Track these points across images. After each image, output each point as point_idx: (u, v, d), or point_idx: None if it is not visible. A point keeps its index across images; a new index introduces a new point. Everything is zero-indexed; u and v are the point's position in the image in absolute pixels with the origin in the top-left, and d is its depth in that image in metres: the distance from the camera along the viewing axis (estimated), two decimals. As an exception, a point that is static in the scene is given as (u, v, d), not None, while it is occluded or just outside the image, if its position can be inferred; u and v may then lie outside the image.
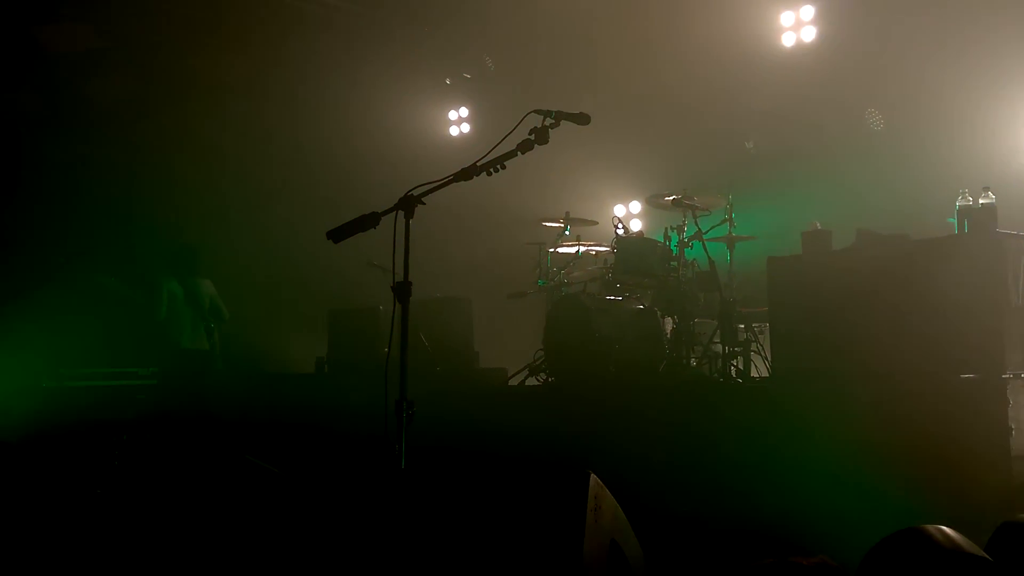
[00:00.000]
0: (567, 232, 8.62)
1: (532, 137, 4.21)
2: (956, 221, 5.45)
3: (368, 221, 4.02)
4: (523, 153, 4.22)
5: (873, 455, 4.71)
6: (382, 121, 10.89)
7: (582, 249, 8.46)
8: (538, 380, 7.88)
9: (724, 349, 7.08)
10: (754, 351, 7.31)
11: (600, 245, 8.42)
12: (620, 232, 7.84)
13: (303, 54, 10.26)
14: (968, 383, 4.93)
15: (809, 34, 9.23)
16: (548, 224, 8.81)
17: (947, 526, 2.95)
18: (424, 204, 4.03)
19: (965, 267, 5.13)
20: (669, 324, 7.70)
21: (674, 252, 7.72)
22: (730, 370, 7.02)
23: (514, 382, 8.05)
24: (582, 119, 4.30)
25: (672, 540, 4.57)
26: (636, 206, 10.50)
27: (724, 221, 7.80)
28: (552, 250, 8.67)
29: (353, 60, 10.68)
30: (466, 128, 12.07)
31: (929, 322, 5.19)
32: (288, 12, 10.17)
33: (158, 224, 9.50)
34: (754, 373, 7.26)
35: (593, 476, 2.81)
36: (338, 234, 4.04)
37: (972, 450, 4.71)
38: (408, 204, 3.99)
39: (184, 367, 8.69)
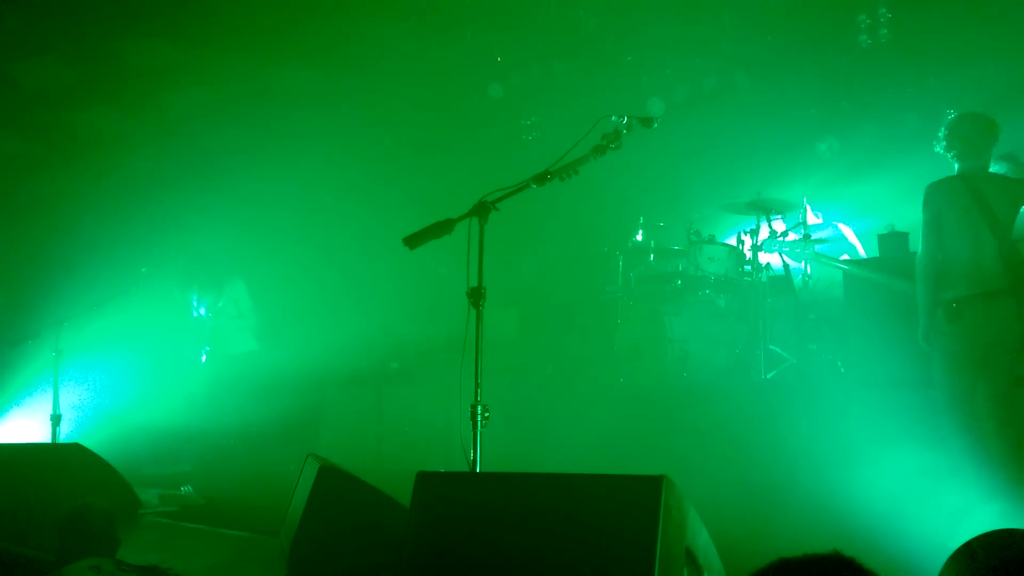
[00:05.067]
0: (640, 237, 8.58)
1: (605, 142, 4.22)
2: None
3: (443, 227, 4.08)
4: (597, 158, 4.23)
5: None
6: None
7: (654, 253, 8.42)
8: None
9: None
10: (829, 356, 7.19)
11: (673, 248, 8.37)
12: (693, 236, 7.79)
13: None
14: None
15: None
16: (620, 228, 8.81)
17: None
18: (498, 210, 4.07)
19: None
20: (743, 328, 7.62)
21: (747, 256, 7.64)
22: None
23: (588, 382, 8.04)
24: (648, 122, 4.30)
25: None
26: (708, 209, 10.41)
27: (799, 224, 7.69)
28: (624, 253, 8.64)
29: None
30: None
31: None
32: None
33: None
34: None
35: (667, 481, 2.79)
36: (414, 240, 4.10)
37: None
38: (482, 210, 4.04)
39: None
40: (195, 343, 9.24)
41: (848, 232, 8.07)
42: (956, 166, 5.12)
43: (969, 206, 4.93)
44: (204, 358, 9.07)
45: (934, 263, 5.00)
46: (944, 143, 5.15)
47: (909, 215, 6.91)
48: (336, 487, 4.16)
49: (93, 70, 10.02)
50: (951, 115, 5.21)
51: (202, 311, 9.21)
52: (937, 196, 5.03)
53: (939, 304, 4.96)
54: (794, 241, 7.49)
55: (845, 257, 7.70)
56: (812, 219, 7.72)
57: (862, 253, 7.84)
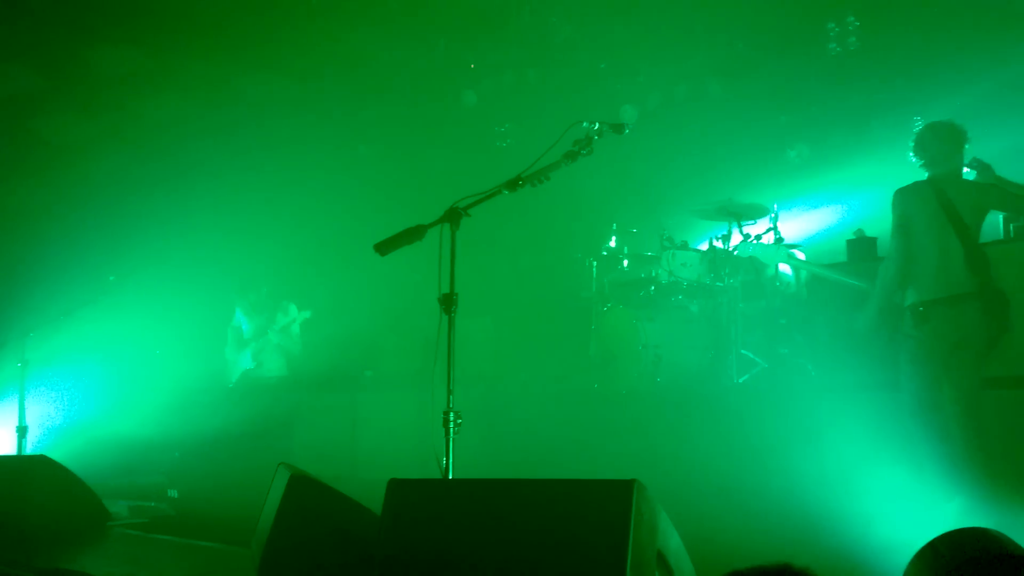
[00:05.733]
0: (613, 243, 8.60)
1: (576, 148, 4.23)
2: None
3: (414, 233, 4.06)
4: (568, 164, 4.24)
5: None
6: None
7: (627, 259, 8.44)
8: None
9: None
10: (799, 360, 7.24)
11: (646, 254, 8.39)
12: (666, 242, 7.83)
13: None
14: None
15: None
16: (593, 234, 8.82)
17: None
18: (470, 216, 4.06)
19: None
20: (715, 333, 7.65)
21: (719, 261, 7.68)
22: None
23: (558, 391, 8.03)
24: (619, 128, 4.31)
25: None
26: (680, 215, 10.44)
27: (769, 229, 7.73)
28: (597, 259, 8.65)
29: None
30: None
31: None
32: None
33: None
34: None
35: (638, 485, 2.78)
36: (385, 247, 4.08)
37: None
38: (454, 216, 4.03)
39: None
40: (231, 362, 9.26)
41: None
42: (926, 174, 5.19)
43: (936, 211, 5.00)
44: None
45: (899, 266, 5.05)
46: (913, 152, 5.23)
47: (878, 220, 7.00)
48: (307, 496, 4.12)
49: (61, 77, 9.93)
50: (919, 124, 5.29)
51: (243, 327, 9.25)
52: (905, 201, 5.09)
53: (906, 308, 5.02)
54: (766, 244, 7.55)
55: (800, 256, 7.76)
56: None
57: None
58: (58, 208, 9.90)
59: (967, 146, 5.16)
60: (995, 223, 5.85)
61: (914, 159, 5.24)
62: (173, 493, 7.18)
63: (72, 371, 9.23)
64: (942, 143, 5.14)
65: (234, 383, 9.27)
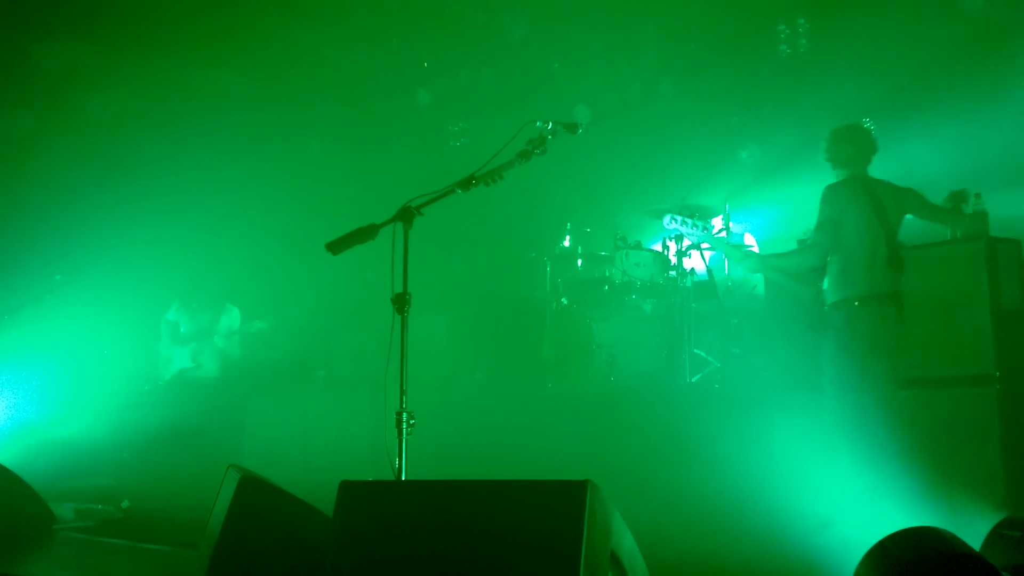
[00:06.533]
0: (567, 243, 8.62)
1: (530, 147, 4.23)
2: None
3: (367, 232, 4.03)
4: (522, 163, 4.23)
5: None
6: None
7: (581, 259, 8.46)
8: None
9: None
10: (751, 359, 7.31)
11: (600, 254, 8.43)
12: (619, 242, 7.86)
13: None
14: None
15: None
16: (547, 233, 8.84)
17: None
18: (423, 215, 4.04)
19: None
20: (668, 332, 7.70)
21: (671, 262, 7.72)
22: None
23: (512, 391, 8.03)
24: (572, 128, 4.32)
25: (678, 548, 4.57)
26: (633, 215, 10.50)
27: (721, 231, 7.80)
28: (551, 259, 8.67)
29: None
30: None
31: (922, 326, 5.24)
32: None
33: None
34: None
35: (591, 485, 2.78)
36: (337, 246, 4.04)
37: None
38: (406, 215, 4.01)
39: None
40: (164, 360, 9.11)
41: (750, 239, 8.24)
42: (842, 173, 5.27)
43: (867, 209, 5.08)
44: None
45: (822, 260, 5.13)
46: (828, 154, 5.32)
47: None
48: (257, 498, 4.08)
49: (5, 72, 9.72)
50: (868, 124, 5.37)
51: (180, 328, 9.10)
52: (838, 197, 5.16)
53: (838, 302, 5.07)
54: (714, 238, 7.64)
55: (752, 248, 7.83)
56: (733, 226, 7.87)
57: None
58: (2, 205, 9.68)
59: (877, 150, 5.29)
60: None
61: (828, 160, 5.33)
62: (125, 504, 7.07)
63: (17, 371, 9.06)
64: (858, 146, 5.24)
65: (168, 379, 9.10)
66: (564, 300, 8.27)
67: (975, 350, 5.15)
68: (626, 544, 3.02)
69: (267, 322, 9.20)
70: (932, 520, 3.31)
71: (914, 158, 7.22)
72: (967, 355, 5.19)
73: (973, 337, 5.16)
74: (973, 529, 3.29)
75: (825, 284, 5.22)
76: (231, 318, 9.17)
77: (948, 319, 5.25)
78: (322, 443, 8.45)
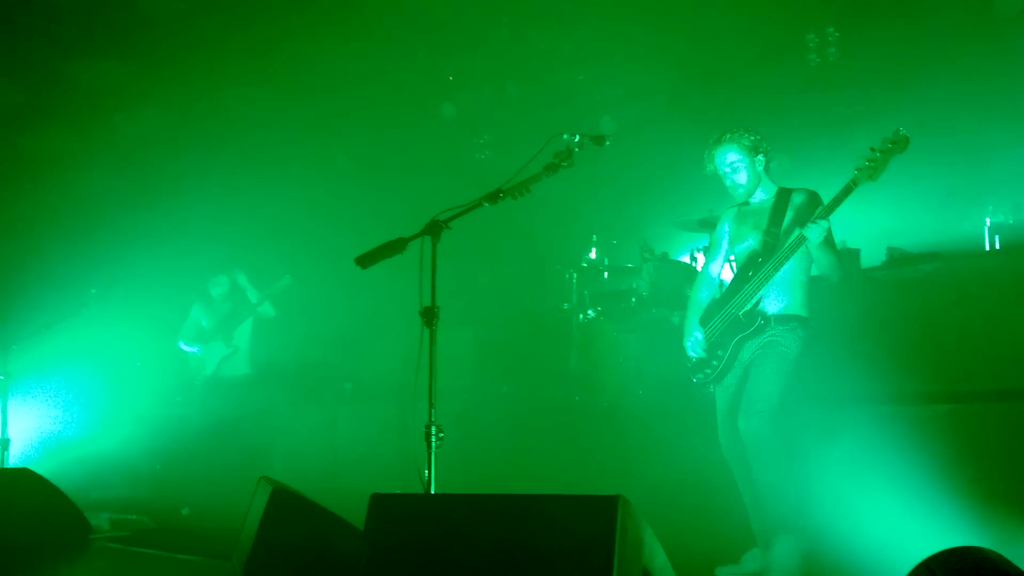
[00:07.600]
0: (593, 255, 8.61)
1: (557, 160, 4.24)
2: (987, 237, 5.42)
3: (395, 246, 4.06)
4: (549, 176, 4.25)
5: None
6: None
7: (608, 271, 8.45)
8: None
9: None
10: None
11: (626, 266, 8.41)
12: (646, 254, 7.84)
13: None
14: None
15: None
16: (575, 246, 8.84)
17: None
18: (451, 229, 4.06)
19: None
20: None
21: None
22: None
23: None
24: (600, 140, 4.32)
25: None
26: (661, 227, 10.47)
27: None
28: (578, 271, 8.66)
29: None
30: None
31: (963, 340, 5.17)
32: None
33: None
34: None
35: (622, 500, 2.77)
36: (366, 260, 4.07)
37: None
38: (435, 229, 4.03)
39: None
40: (192, 367, 9.19)
41: None
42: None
43: None
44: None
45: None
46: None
47: (860, 231, 7.04)
48: (289, 510, 4.11)
49: (41, 91, 9.89)
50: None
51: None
52: None
53: (804, 317, 4.76)
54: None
55: None
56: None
57: None
58: (40, 221, 9.85)
59: None
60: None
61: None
62: (185, 511, 7.20)
63: (54, 384, 9.19)
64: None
65: (201, 381, 9.13)
66: (591, 312, 8.27)
67: (1019, 363, 5.06)
68: (658, 561, 3.00)
69: (291, 276, 9.22)
70: (975, 540, 3.25)
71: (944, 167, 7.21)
72: (1011, 368, 5.10)
73: (1017, 350, 5.08)
74: (1017, 549, 3.22)
75: None
76: (251, 291, 9.16)
77: (991, 332, 5.17)
78: (349, 454, 8.49)
